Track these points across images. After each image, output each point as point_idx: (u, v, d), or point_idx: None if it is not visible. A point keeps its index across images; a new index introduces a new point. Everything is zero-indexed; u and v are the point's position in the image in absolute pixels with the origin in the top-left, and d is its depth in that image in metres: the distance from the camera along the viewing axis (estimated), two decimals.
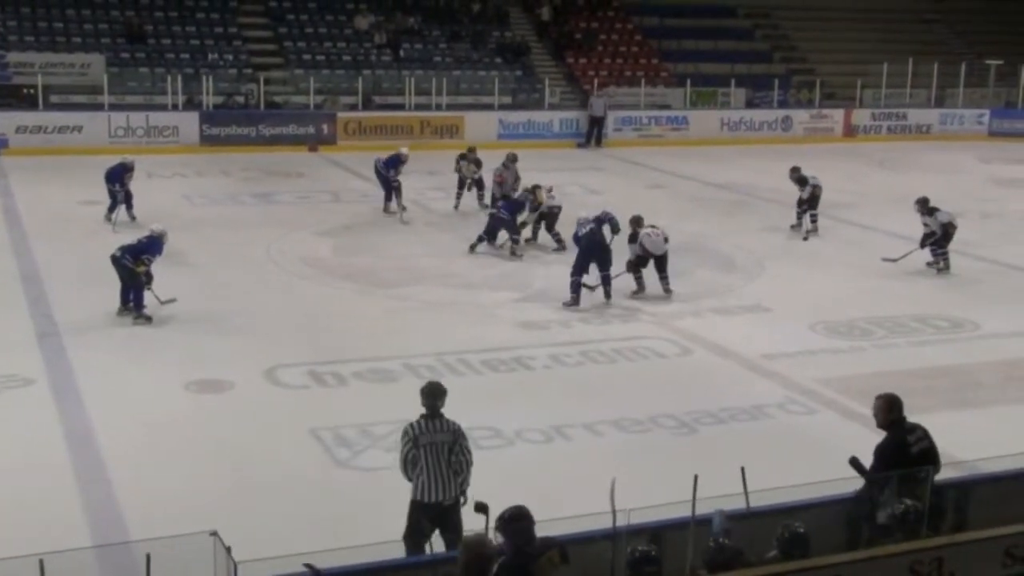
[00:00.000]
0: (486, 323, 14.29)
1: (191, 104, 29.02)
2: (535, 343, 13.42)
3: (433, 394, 7.76)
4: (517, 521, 6.08)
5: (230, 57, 31.30)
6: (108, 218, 18.81)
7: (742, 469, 7.03)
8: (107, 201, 19.05)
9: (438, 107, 30.78)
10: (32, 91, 27.82)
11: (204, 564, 6.17)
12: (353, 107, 30.04)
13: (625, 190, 24.28)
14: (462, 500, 7.61)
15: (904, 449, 7.51)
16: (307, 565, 6.20)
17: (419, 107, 30.53)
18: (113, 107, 27.93)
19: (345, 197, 22.68)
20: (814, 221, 19.89)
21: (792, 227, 20.07)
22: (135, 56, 30.34)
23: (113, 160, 19.63)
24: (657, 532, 6.88)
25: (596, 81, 32.93)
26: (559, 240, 18.04)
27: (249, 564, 5.82)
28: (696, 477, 6.39)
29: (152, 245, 13.89)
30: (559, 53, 35.28)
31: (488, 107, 31.28)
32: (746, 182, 25.23)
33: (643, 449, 10.42)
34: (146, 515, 8.59)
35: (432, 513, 7.55)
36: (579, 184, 24.22)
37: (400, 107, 30.76)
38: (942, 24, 39.64)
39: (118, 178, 19.02)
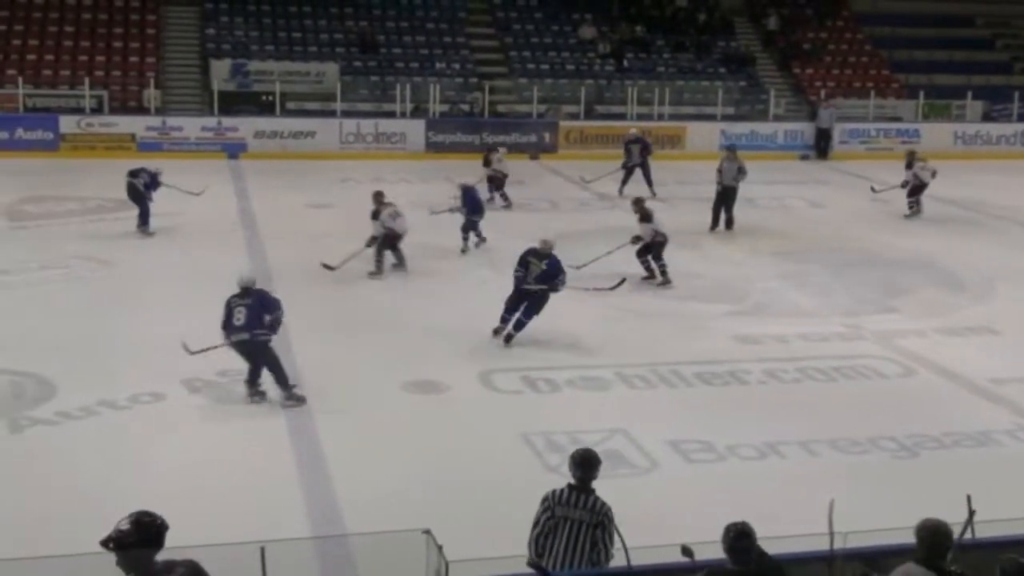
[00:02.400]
0: (700, 335, 14.16)
1: (418, 112, 29.81)
2: (750, 357, 13.20)
3: (583, 464, 6.81)
4: (740, 539, 5.88)
5: (457, 66, 32.00)
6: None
7: (968, 497, 6.74)
8: (332, 204, 19.55)
9: (660, 117, 30.65)
10: (270, 98, 29.14)
11: (416, 561, 6.32)
12: (575, 116, 30.26)
13: (849, 204, 23.65)
14: None
15: None
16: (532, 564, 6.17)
17: (641, 117, 30.43)
18: (345, 114, 28.99)
19: (564, 206, 22.83)
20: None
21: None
22: (367, 65, 31.36)
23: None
24: (874, 557, 6.67)
25: (824, 92, 32.21)
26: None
27: (460, 564, 5.93)
28: (832, 502, 6.11)
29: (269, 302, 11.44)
30: (785, 63, 34.62)
31: (711, 118, 30.97)
32: (978, 198, 24.17)
33: (861, 471, 10.12)
34: (361, 511, 8.85)
35: None
36: (802, 197, 23.74)
37: (622, 117, 30.78)
38: None
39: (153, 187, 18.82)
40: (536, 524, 6.73)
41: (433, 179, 25.45)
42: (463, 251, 18.24)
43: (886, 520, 6.63)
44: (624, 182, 23.67)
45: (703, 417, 11.27)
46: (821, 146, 30.53)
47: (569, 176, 25.83)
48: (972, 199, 24.13)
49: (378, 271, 16.36)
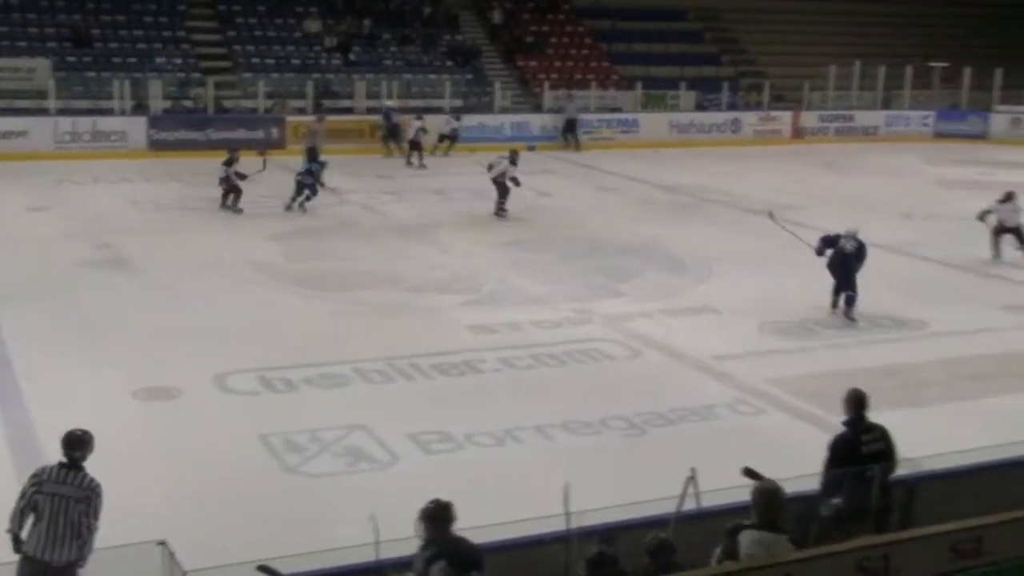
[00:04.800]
0: (436, 327, 14.28)
1: (139, 109, 28.77)
2: (485, 346, 13.41)
3: (71, 444, 6.96)
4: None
5: (178, 61, 31.07)
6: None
7: (692, 470, 7.07)
8: (49, 207, 18.82)
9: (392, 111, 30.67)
10: None
11: (152, 574, 6.11)
12: (303, 111, 29.90)
13: (576, 193, 24.35)
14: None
15: (855, 447, 7.62)
16: (263, 568, 6.16)
17: (370, 111, 30.43)
18: (59, 112, 27.66)
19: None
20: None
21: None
22: (81, 60, 30.04)
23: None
24: (610, 533, 6.90)
25: (565, 84, 33.10)
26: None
27: (198, 573, 5.78)
28: (567, 484, 6.35)
29: None
30: (510, 56, 35.33)
31: (439, 110, 31.26)
32: (696, 184, 25.38)
33: (594, 452, 10.44)
34: None
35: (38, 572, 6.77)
36: (531, 187, 24.22)
37: (350, 111, 30.68)
38: (888, 27, 40.07)
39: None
40: (23, 497, 6.83)
41: (157, 178, 24.69)
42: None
43: (619, 497, 6.87)
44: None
45: (441, 408, 11.37)
46: (568, 137, 31.23)
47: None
48: (690, 185, 25.33)
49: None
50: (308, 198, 21.21)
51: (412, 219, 20.89)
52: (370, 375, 12.22)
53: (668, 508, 6.98)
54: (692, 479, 7.02)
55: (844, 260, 14.75)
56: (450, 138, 29.56)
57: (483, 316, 14.71)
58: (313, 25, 33.37)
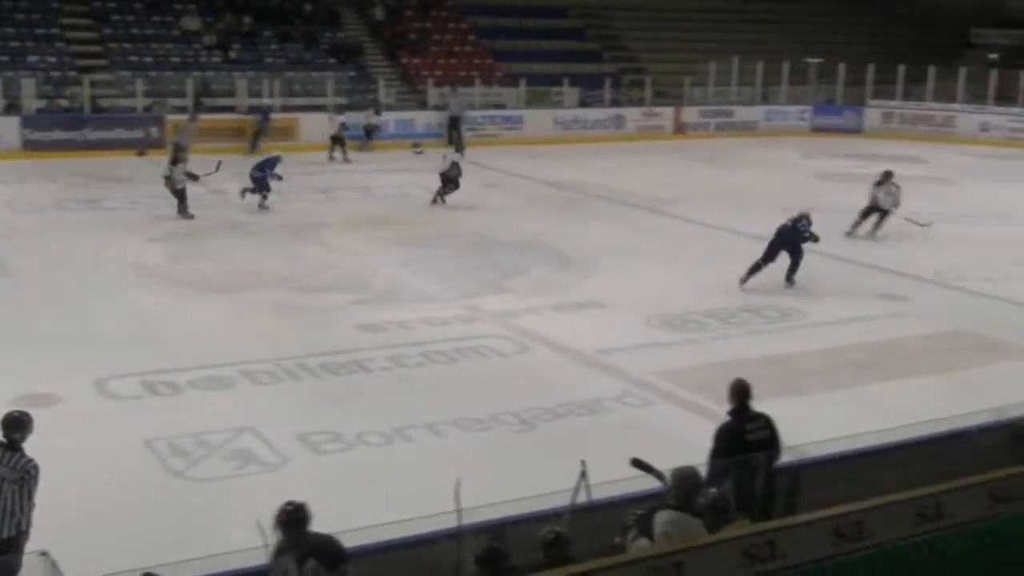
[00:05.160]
0: (325, 326, 14.17)
1: (12, 108, 27.96)
2: (375, 345, 13.35)
3: (8, 426, 7.29)
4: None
5: (52, 59, 30.24)
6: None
7: (583, 463, 7.14)
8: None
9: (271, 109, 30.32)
10: None
11: None
12: (183, 110, 29.34)
13: (463, 190, 24.33)
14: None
15: (740, 435, 7.80)
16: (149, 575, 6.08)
17: (253, 110, 29.99)
18: None
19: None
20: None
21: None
22: None
23: None
24: (501, 528, 6.94)
25: (449, 81, 33.01)
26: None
27: None
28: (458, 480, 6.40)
29: None
30: (393, 53, 35.18)
31: (323, 108, 30.97)
32: (580, 180, 25.60)
33: (484, 447, 10.49)
34: None
35: None
36: (418, 184, 24.20)
37: (232, 109, 30.22)
38: (766, 24, 40.89)
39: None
40: None
41: (32, 179, 24.09)
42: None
43: (509, 492, 6.90)
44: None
45: (331, 408, 11.30)
46: (453, 134, 31.11)
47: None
48: (574, 181, 25.54)
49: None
50: (265, 196, 21.29)
51: (299, 218, 20.68)
52: (257, 376, 12.08)
53: (559, 502, 7.04)
54: (584, 472, 7.09)
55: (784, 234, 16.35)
56: (368, 134, 29.94)
57: (372, 315, 14.65)
58: (191, 23, 32.79)
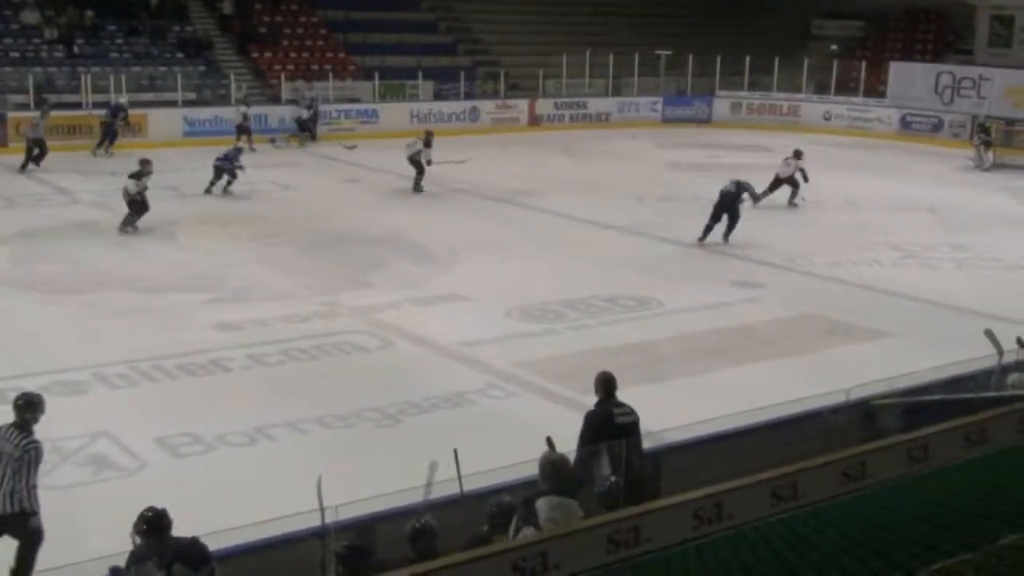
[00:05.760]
0: (180, 327, 13.86)
1: None
2: (233, 344, 13.13)
3: (23, 407, 7.60)
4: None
5: None
6: None
7: (455, 451, 7.15)
8: None
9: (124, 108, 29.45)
10: None
11: None
12: (24, 106, 28.28)
13: (320, 185, 24.14)
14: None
15: (609, 420, 7.98)
16: None
17: (97, 105, 29.09)
18: None
19: (21, 202, 21.44)
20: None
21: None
22: None
23: None
24: (367, 525, 6.90)
25: (303, 75, 32.64)
26: None
27: None
28: (320, 478, 6.45)
29: None
30: (243, 47, 34.58)
31: (172, 104, 30.27)
32: (438, 172, 25.53)
33: (348, 444, 10.42)
34: None
35: None
36: (273, 180, 23.87)
37: (77, 106, 29.26)
38: (616, 16, 41.45)
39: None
40: None
41: None
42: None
43: (376, 488, 6.87)
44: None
45: (189, 410, 11.08)
46: (308, 125, 30.67)
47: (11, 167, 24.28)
48: (432, 173, 25.40)
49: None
50: (229, 183, 22.03)
51: (149, 216, 20.15)
52: (111, 379, 11.78)
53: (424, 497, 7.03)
54: (435, 465, 7.08)
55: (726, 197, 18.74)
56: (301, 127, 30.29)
57: (228, 314, 14.40)
58: (31, 17, 31.67)
